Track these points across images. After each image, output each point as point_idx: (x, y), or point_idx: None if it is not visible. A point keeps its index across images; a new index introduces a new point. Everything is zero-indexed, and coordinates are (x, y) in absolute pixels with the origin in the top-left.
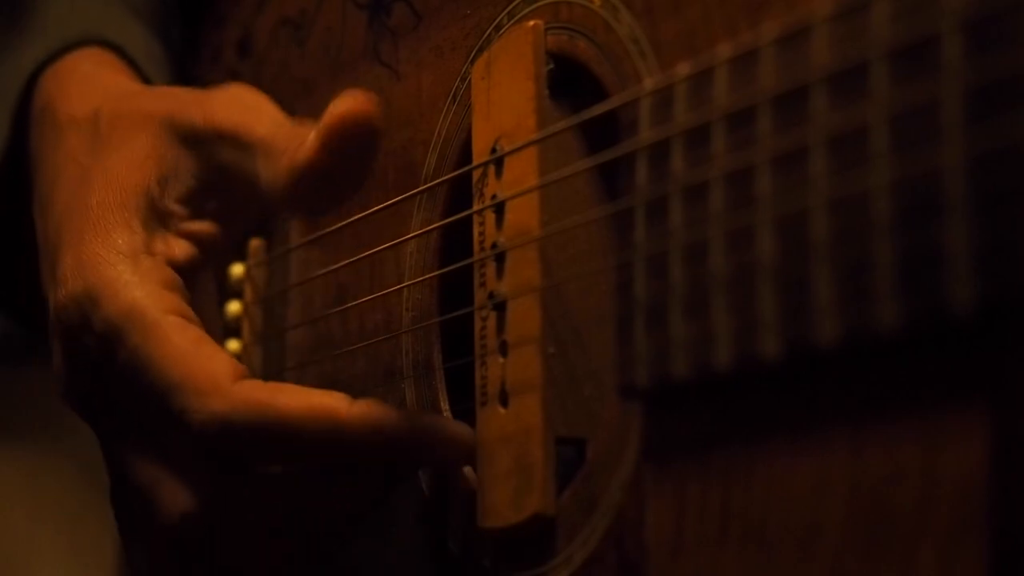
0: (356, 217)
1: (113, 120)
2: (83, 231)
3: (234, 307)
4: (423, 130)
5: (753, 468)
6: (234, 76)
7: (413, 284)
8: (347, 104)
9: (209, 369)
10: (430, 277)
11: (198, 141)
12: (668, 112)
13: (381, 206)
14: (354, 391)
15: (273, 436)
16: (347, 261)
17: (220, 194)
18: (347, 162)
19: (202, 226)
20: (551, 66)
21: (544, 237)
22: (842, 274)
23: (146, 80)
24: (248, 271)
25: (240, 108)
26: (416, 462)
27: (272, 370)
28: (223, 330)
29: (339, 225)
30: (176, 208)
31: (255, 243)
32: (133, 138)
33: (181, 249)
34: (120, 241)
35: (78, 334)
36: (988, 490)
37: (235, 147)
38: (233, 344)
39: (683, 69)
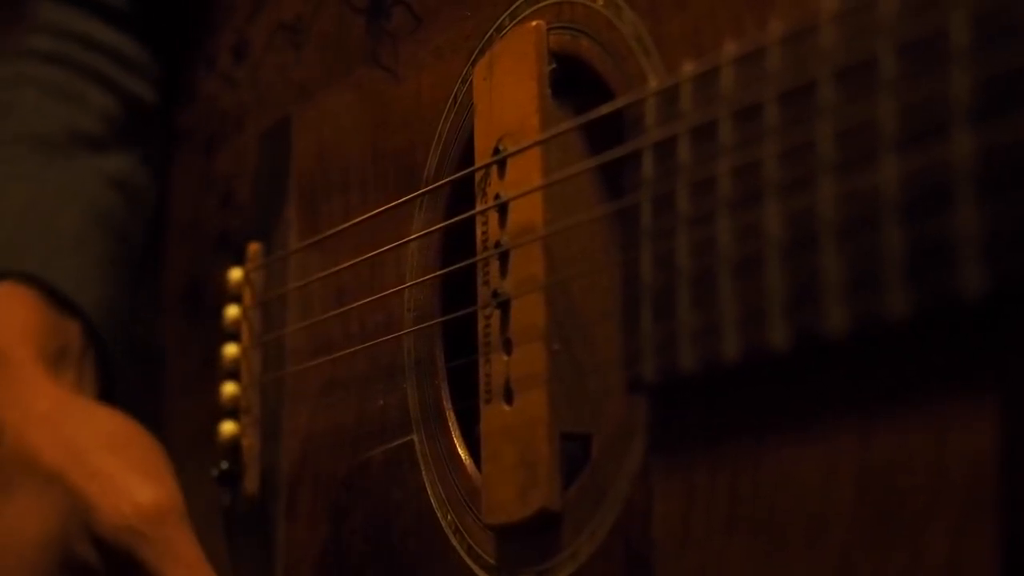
0: (357, 220)
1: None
2: None
3: (233, 311)
4: (423, 132)
5: (761, 458)
6: (229, 81)
7: (415, 284)
8: None
9: None
10: (433, 277)
11: (102, 546)
12: (674, 109)
13: (383, 208)
14: (354, 392)
15: None
16: (348, 263)
17: None
18: None
19: None
20: (554, 66)
21: (548, 234)
22: (851, 263)
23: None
24: (247, 275)
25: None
26: None
27: (272, 373)
28: (219, 337)
29: (340, 228)
30: None
31: (254, 247)
32: (30, 496)
33: None
34: None
35: None
36: (997, 476)
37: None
38: (233, 348)
39: (688, 67)
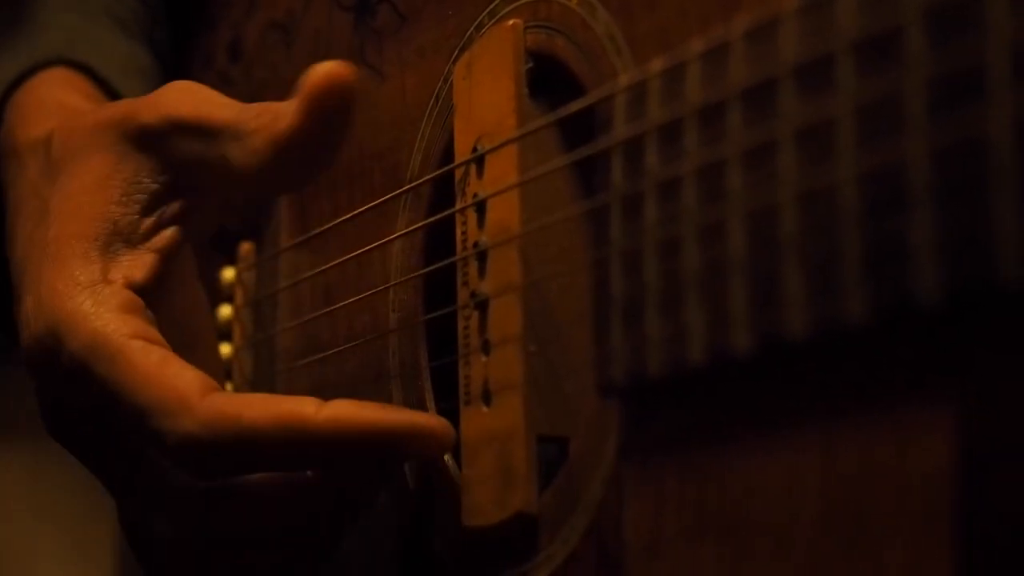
0: (343, 219)
1: (65, 143)
2: (41, 268)
3: (225, 311)
4: (408, 131)
5: (729, 464)
6: (225, 80)
7: (398, 285)
8: (326, 69)
9: (176, 388)
10: (414, 277)
11: (154, 141)
12: (642, 108)
13: (366, 207)
14: (344, 393)
15: (245, 449)
16: (333, 263)
17: (184, 191)
18: (328, 128)
19: (167, 235)
20: (530, 65)
21: (524, 236)
22: (810, 267)
23: (117, 96)
24: (238, 275)
25: (194, 99)
26: (392, 460)
27: (263, 373)
28: (216, 333)
29: (327, 227)
30: (140, 222)
31: (245, 247)
32: (86, 159)
33: (143, 267)
34: (78, 273)
35: (49, 373)
36: (957, 486)
37: (197, 136)
38: (225, 348)
39: (656, 65)
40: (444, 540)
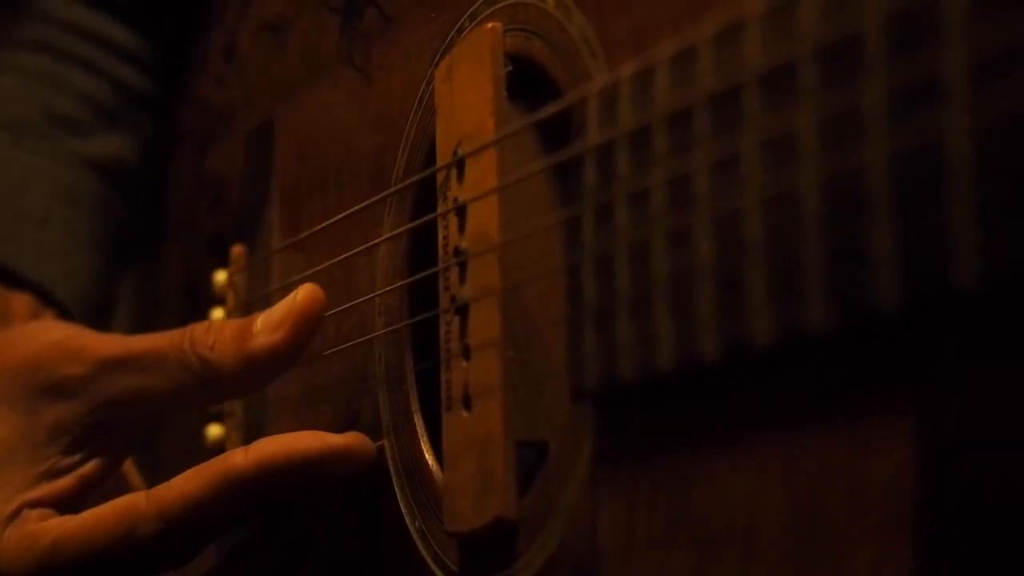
0: (330, 222)
1: None
2: None
3: (217, 314)
4: (393, 134)
5: (697, 469)
6: (220, 82)
7: (384, 290)
8: (309, 292)
9: (116, 513)
10: (398, 287)
11: (75, 387)
12: (613, 112)
13: (350, 211)
14: (332, 396)
15: (198, 520)
16: (320, 267)
17: (112, 425)
18: (304, 345)
19: (90, 466)
20: (510, 68)
21: (503, 242)
22: (774, 273)
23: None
24: (230, 277)
25: (115, 340)
26: (319, 483)
27: None
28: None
29: (314, 230)
30: (63, 460)
31: (237, 249)
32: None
33: (56, 488)
34: None
35: None
36: (916, 489)
37: (131, 371)
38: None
39: (626, 69)
40: (427, 544)
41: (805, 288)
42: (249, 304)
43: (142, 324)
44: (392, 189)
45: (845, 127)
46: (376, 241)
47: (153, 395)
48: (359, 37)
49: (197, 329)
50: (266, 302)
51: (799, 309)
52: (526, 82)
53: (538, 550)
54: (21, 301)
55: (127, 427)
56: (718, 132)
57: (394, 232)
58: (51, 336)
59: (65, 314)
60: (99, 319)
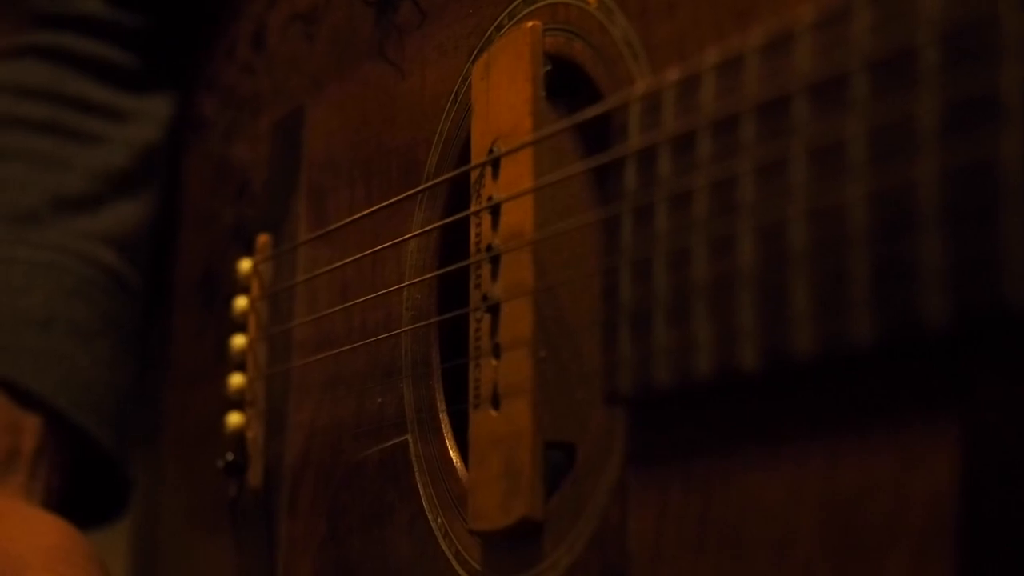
0: (360, 215)
1: None
2: None
3: (241, 303)
4: (426, 129)
5: (731, 477)
6: (248, 70)
7: (412, 284)
8: None
9: None
10: (427, 279)
11: None
12: (656, 117)
13: (382, 204)
14: (355, 388)
15: None
16: (349, 259)
17: None
18: None
19: None
20: (548, 67)
21: (537, 241)
22: (819, 285)
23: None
24: (255, 267)
25: None
26: None
27: (277, 366)
28: (229, 326)
29: (344, 223)
30: None
31: (262, 239)
32: None
33: None
34: None
35: None
36: (958, 507)
37: None
38: (239, 339)
39: (671, 74)
40: (449, 541)
41: (850, 302)
42: (273, 294)
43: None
44: (425, 184)
45: (896, 140)
46: (407, 236)
47: None
48: (393, 30)
49: None
50: (291, 293)
51: (843, 323)
52: (564, 82)
53: (564, 552)
54: (32, 427)
55: None
56: (764, 139)
57: (425, 228)
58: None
59: (77, 428)
60: (123, 410)
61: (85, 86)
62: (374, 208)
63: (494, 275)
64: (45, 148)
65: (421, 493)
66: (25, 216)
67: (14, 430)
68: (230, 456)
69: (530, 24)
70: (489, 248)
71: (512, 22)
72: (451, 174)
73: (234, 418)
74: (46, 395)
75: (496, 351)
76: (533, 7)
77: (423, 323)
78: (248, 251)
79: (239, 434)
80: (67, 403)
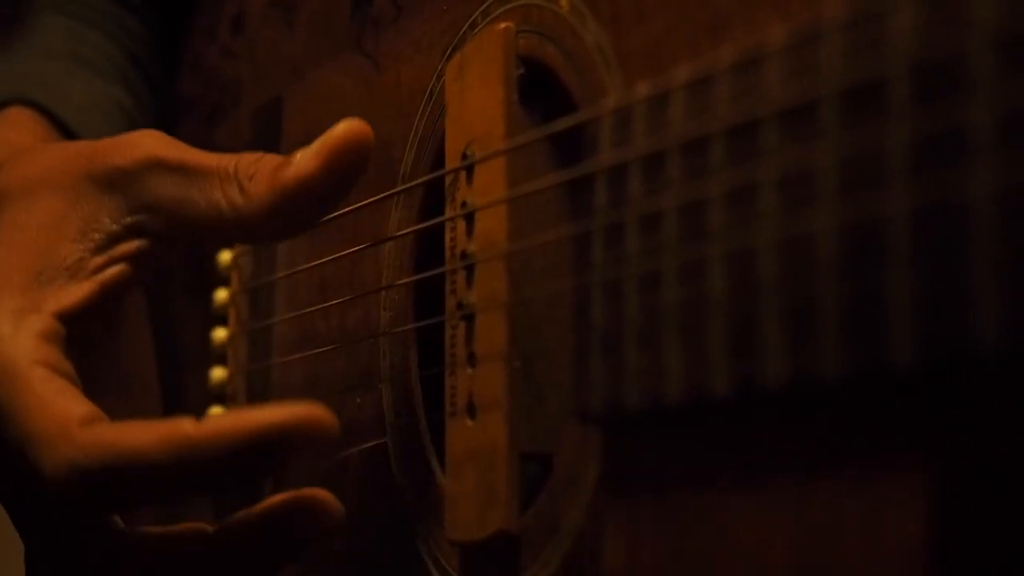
0: (339, 213)
1: (14, 176)
2: None
3: (221, 295)
4: (401, 126)
5: (705, 506)
6: (228, 53)
7: (391, 287)
8: (349, 124)
9: (59, 416)
10: (403, 284)
11: (123, 182)
12: (627, 133)
13: (359, 204)
14: (334, 388)
15: (125, 471)
16: (328, 258)
17: (145, 233)
18: (340, 182)
19: (114, 270)
20: (522, 70)
21: (511, 251)
22: (788, 316)
23: (73, 135)
24: (234, 259)
25: (172, 143)
26: (277, 459)
27: (258, 362)
28: (210, 318)
29: (322, 220)
30: (91, 259)
31: None
32: (42, 195)
33: (78, 294)
34: (8, 300)
35: None
36: (926, 548)
37: (178, 178)
38: (220, 333)
39: (642, 89)
40: (428, 548)
41: (819, 334)
42: (254, 288)
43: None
44: (400, 188)
45: (865, 173)
46: (381, 240)
47: (191, 211)
48: (369, 23)
49: (246, 157)
50: (271, 289)
51: (812, 355)
52: (538, 84)
53: (541, 567)
54: (23, 113)
55: (160, 238)
56: (733, 164)
57: (399, 233)
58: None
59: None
60: None
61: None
62: (350, 208)
63: (469, 282)
64: (62, 23)
65: (400, 497)
66: (53, 57)
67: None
68: None
69: (503, 25)
70: (464, 255)
71: (486, 21)
72: (425, 178)
73: (216, 412)
74: (28, 95)
75: (471, 360)
76: (507, 7)
77: (399, 329)
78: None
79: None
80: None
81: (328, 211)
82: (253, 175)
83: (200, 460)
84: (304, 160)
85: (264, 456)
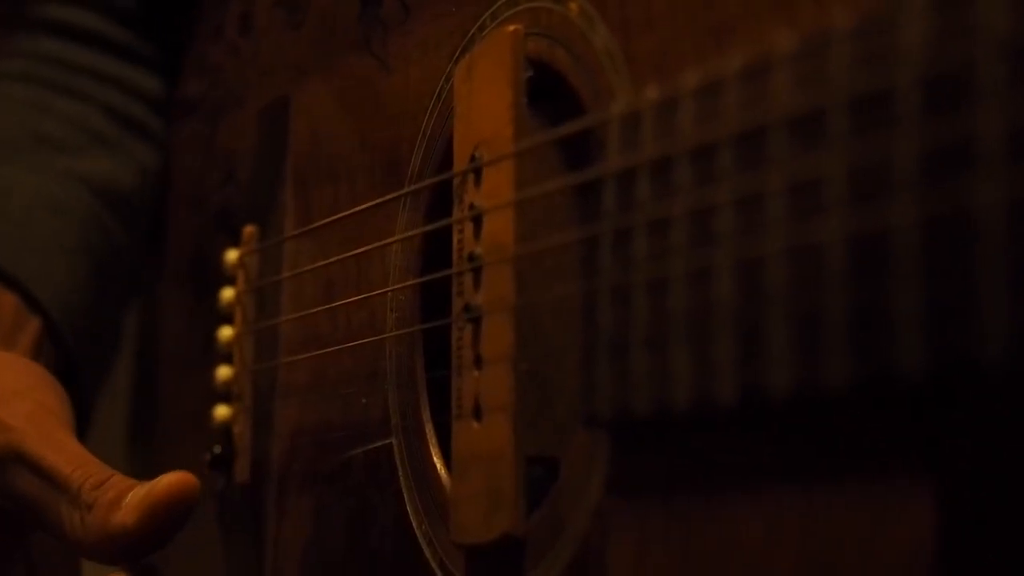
0: (343, 214)
1: None
2: None
3: (228, 294)
4: (409, 127)
5: (711, 513)
6: (235, 52)
7: (397, 288)
8: (174, 479)
9: None
10: (409, 285)
11: None
12: (635, 137)
13: (365, 205)
14: (340, 389)
15: None
16: (335, 258)
17: (9, 513)
18: (158, 536)
19: None
20: (530, 73)
21: (518, 254)
22: (795, 325)
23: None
24: (241, 258)
25: (46, 437)
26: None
27: (264, 362)
28: (216, 317)
29: (327, 221)
30: None
31: (248, 230)
32: None
33: None
34: None
35: None
36: (931, 558)
37: (38, 480)
38: (227, 331)
39: (651, 94)
40: (433, 550)
41: (826, 344)
42: (260, 288)
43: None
44: (407, 189)
45: (874, 182)
46: (388, 241)
47: (45, 515)
48: (378, 24)
49: (90, 480)
50: (277, 288)
51: (819, 364)
52: (546, 87)
53: (545, 570)
54: (7, 301)
55: (24, 524)
56: (742, 170)
57: (407, 234)
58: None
59: (52, 328)
60: (104, 351)
61: (64, 47)
62: (357, 208)
63: (476, 284)
64: (24, 93)
65: (405, 498)
66: (5, 142)
67: (16, 327)
68: (217, 449)
69: (512, 28)
70: (471, 258)
71: (494, 23)
72: (434, 180)
73: (221, 411)
74: (22, 281)
75: (478, 362)
76: (515, 9)
77: (406, 331)
78: (235, 241)
79: (226, 427)
80: (44, 300)
81: (155, 551)
82: (92, 504)
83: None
84: (126, 512)
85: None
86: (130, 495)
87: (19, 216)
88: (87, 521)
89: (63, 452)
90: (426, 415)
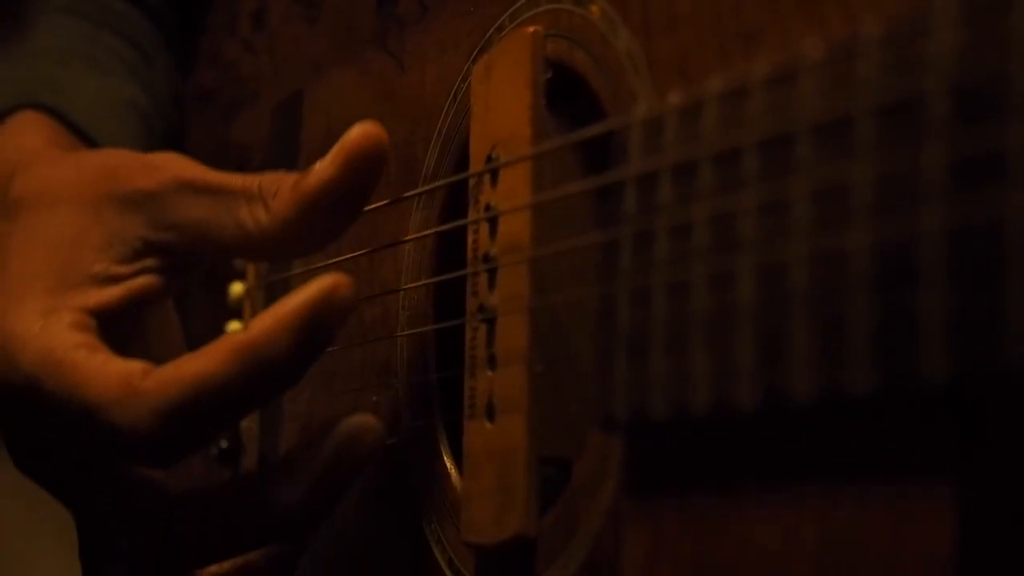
0: None
1: (29, 185)
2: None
3: (237, 288)
4: (424, 126)
5: (728, 516)
6: (249, 48)
7: (409, 281)
8: (363, 128)
9: (118, 377)
10: (424, 284)
11: (147, 202)
12: (658, 141)
13: (379, 204)
14: (351, 384)
15: (203, 398)
16: (345, 257)
17: (170, 250)
18: (359, 185)
19: (141, 281)
20: (550, 74)
21: (534, 255)
22: (818, 330)
23: (86, 136)
24: None
25: (195, 165)
26: (327, 331)
27: None
28: (225, 311)
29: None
30: (116, 269)
31: None
32: (62, 208)
33: (105, 296)
34: (35, 304)
35: (7, 400)
36: (953, 568)
37: (203, 199)
38: (235, 325)
39: (674, 98)
40: (442, 549)
41: (849, 350)
42: (270, 283)
43: None
44: (422, 188)
45: (901, 190)
46: (403, 240)
47: (217, 231)
48: (394, 22)
49: (268, 176)
50: (286, 284)
51: (842, 370)
52: (566, 88)
53: (557, 571)
54: (34, 117)
55: (186, 256)
56: (766, 177)
57: (421, 234)
58: (131, 152)
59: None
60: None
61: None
62: (371, 207)
63: (491, 284)
64: (69, 23)
65: (415, 497)
66: (68, 55)
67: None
68: (224, 443)
69: (532, 29)
70: (487, 258)
71: (513, 24)
72: (449, 179)
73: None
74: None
75: (492, 362)
76: (536, 10)
77: (418, 330)
78: None
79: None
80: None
81: (351, 220)
82: (276, 192)
83: (264, 359)
84: (322, 168)
85: (318, 330)
86: (318, 162)
87: (90, 114)
88: (274, 206)
89: (220, 173)
90: (436, 411)
